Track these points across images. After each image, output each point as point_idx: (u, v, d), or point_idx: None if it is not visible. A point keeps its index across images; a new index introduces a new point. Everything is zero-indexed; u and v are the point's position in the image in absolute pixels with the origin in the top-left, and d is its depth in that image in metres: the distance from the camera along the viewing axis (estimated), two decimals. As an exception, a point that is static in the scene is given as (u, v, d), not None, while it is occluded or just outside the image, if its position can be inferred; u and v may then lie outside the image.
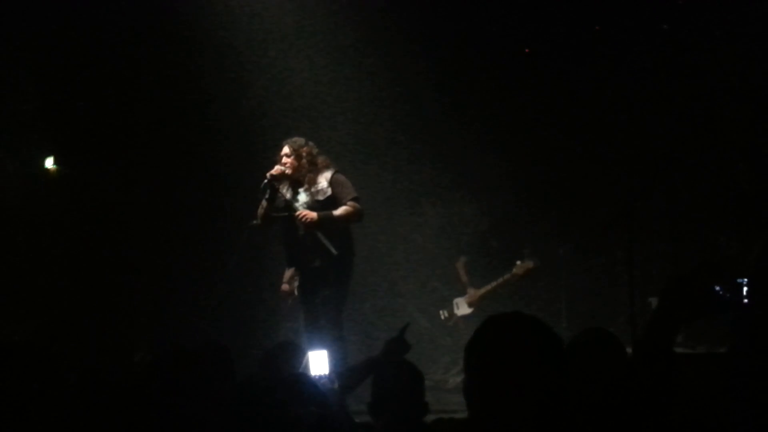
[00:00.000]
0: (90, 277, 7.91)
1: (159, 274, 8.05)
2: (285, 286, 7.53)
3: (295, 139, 6.49)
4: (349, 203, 6.37)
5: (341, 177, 6.47)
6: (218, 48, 8.17)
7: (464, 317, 8.04)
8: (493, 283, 7.92)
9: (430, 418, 3.31)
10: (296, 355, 3.92)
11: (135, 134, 8.15)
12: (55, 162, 8.40)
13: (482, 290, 7.99)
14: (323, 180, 6.39)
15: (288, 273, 7.42)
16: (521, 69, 8.27)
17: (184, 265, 8.08)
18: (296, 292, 6.85)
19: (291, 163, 6.36)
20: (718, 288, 2.00)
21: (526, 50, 8.32)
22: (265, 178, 6.33)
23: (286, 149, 6.42)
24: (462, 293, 8.13)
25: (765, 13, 7.19)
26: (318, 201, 6.34)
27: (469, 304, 8.04)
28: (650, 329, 2.19)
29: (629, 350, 3.03)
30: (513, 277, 7.82)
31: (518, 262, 7.79)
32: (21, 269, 7.69)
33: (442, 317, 8.17)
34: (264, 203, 6.40)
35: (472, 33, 8.11)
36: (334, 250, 6.23)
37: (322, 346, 6.12)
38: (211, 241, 8.00)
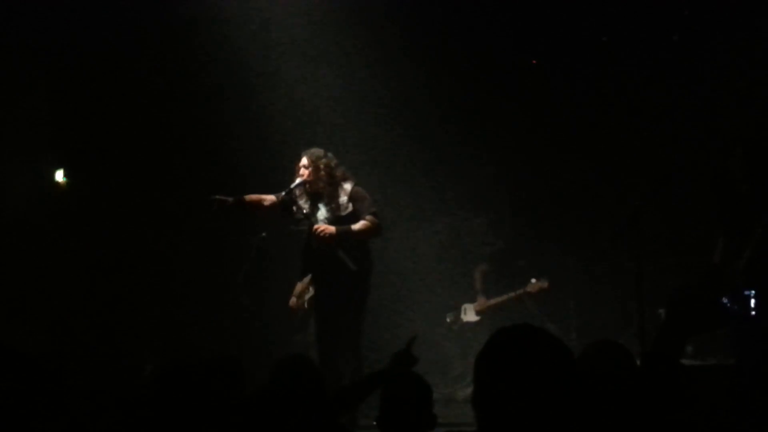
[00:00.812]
0: (100, 288, 7.93)
1: (169, 285, 8.07)
2: (293, 301, 7.53)
3: (313, 150, 6.42)
4: (368, 218, 6.30)
5: (361, 190, 6.41)
6: (229, 59, 8.21)
7: (469, 324, 8.09)
8: (504, 297, 7.94)
9: (439, 430, 3.31)
10: (307, 368, 3.90)
11: (145, 146, 8.19)
12: (65, 174, 8.44)
13: (492, 301, 8.02)
14: (342, 193, 6.32)
15: (299, 287, 7.41)
16: (530, 81, 8.27)
17: (195, 275, 8.09)
18: (306, 306, 6.81)
19: (309, 175, 6.30)
20: (725, 300, 2.01)
21: (534, 62, 8.32)
22: (287, 191, 6.29)
23: (304, 160, 6.36)
24: (472, 300, 8.17)
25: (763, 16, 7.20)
26: (339, 216, 6.28)
27: (477, 312, 8.09)
28: (658, 341, 2.19)
29: (639, 362, 3.04)
30: (525, 294, 7.82)
31: (533, 281, 7.79)
32: (31, 281, 7.72)
33: (448, 320, 8.22)
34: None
35: (483, 44, 8.12)
36: (353, 266, 6.19)
37: (337, 360, 6.16)
38: (222, 252, 8.02)
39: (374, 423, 3.35)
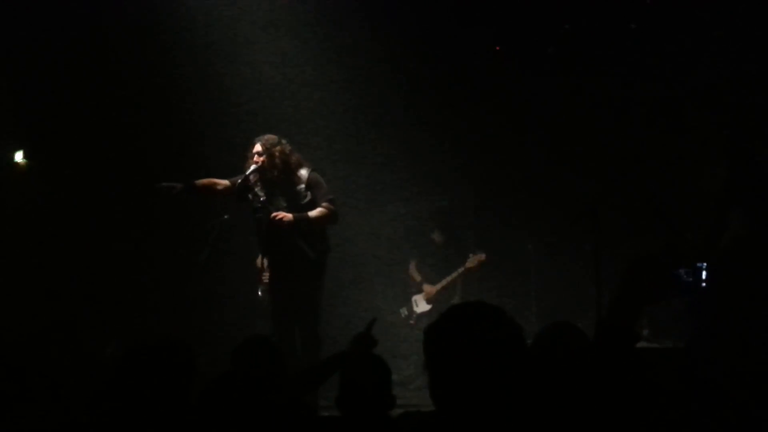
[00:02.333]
0: (61, 271, 7.86)
1: (131, 268, 8.02)
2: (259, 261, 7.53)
3: (267, 136, 6.34)
4: (324, 205, 6.29)
5: (317, 177, 6.38)
6: (192, 40, 8.15)
7: (424, 314, 8.13)
8: (448, 278, 8.04)
9: (396, 412, 3.34)
10: (268, 349, 3.92)
11: (106, 127, 8.11)
12: (25, 156, 8.34)
13: (438, 285, 8.12)
14: (299, 181, 6.29)
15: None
16: (494, 67, 8.32)
17: (156, 258, 8.05)
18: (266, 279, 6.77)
19: (263, 162, 6.23)
20: (682, 271, 2.06)
21: (497, 48, 8.36)
22: (241, 179, 6.17)
23: (258, 147, 6.28)
24: (419, 291, 8.27)
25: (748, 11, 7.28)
26: (298, 204, 6.25)
27: (428, 301, 8.16)
28: (613, 309, 2.22)
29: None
30: (466, 270, 7.95)
31: (471, 255, 7.92)
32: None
33: (402, 315, 8.29)
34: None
35: (446, 30, 8.14)
36: (311, 254, 6.19)
37: (295, 344, 6.17)
38: (183, 235, 7.98)
39: (334, 403, 3.37)
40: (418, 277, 8.31)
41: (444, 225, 8.34)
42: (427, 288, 8.20)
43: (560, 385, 2.45)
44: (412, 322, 8.23)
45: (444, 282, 8.08)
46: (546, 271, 8.17)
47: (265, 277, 6.74)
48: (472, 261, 7.92)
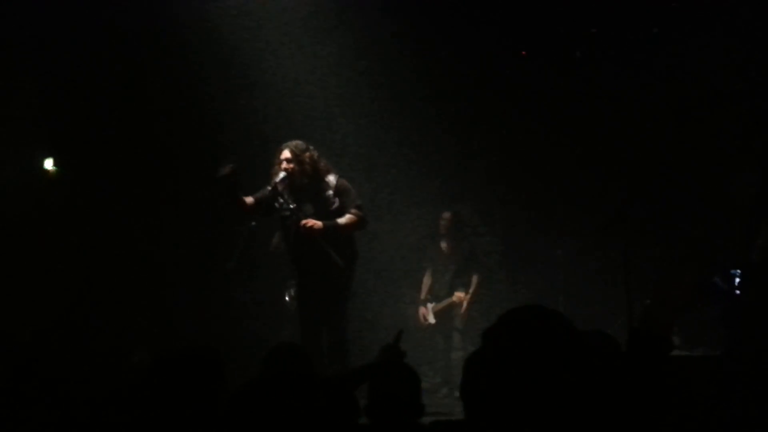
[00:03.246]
0: (88, 277, 7.92)
1: (159, 275, 8.06)
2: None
3: (296, 143, 6.28)
4: (353, 211, 6.26)
5: (346, 183, 6.34)
6: (220, 49, 8.20)
7: (432, 326, 8.08)
8: (439, 305, 8.01)
9: (425, 420, 3.32)
10: (299, 356, 3.87)
11: (135, 135, 8.17)
12: (55, 163, 8.41)
13: (441, 305, 8.04)
14: (328, 187, 6.26)
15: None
16: (521, 74, 8.27)
17: (184, 265, 8.08)
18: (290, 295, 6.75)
19: (293, 169, 6.18)
20: (716, 279, 2.03)
21: (523, 53, 8.33)
22: (272, 185, 6.12)
23: (286, 153, 6.21)
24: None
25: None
26: (327, 211, 6.21)
27: (435, 314, 8.07)
28: (647, 317, 2.18)
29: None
30: (452, 304, 7.90)
31: (456, 292, 7.89)
32: (19, 270, 7.70)
33: (420, 320, 8.17)
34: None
35: (474, 38, 8.12)
36: (340, 262, 6.18)
37: (323, 352, 6.15)
38: (212, 242, 8.01)
39: (363, 412, 3.35)
40: (425, 290, 8.24)
41: (454, 234, 8.23)
42: (436, 304, 8.10)
43: (593, 394, 2.42)
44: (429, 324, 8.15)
45: (442, 305, 8.02)
46: (575, 278, 8.11)
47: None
48: (458, 297, 7.88)
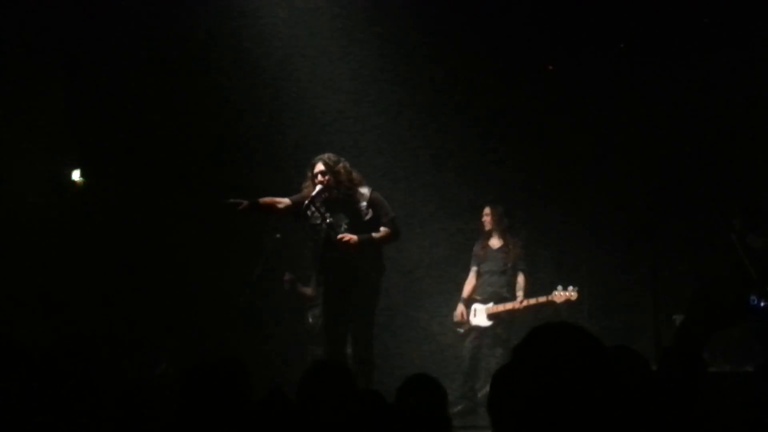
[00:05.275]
0: (115, 287, 7.96)
1: (183, 286, 8.09)
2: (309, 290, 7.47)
3: (328, 155, 6.26)
4: (388, 224, 6.27)
5: (379, 196, 6.33)
6: (246, 62, 8.23)
7: (479, 328, 7.65)
8: (525, 302, 7.52)
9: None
10: (341, 376, 3.70)
11: (161, 146, 8.22)
12: (82, 174, 8.48)
13: (509, 306, 7.58)
14: (362, 199, 6.24)
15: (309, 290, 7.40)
16: (549, 84, 8.23)
17: (208, 276, 8.10)
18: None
19: (328, 181, 6.16)
20: (752, 297, 2.00)
21: (550, 67, 8.30)
22: (306, 200, 6.11)
23: (320, 166, 6.18)
24: (483, 302, 7.71)
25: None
26: (361, 222, 6.20)
27: (489, 316, 7.63)
28: (680, 336, 2.16)
29: (654, 367, 3.01)
30: (548, 303, 7.39)
31: (559, 288, 7.37)
32: (47, 280, 7.75)
33: (456, 318, 7.78)
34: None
35: (500, 47, 8.09)
36: (373, 275, 6.16)
37: (349, 364, 6.12)
38: (236, 253, 8.03)
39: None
40: (468, 290, 7.82)
41: (504, 227, 7.80)
42: (494, 306, 7.61)
43: (622, 411, 2.39)
44: (461, 330, 7.73)
45: (517, 305, 7.54)
46: (600, 294, 8.03)
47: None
48: (560, 296, 7.32)
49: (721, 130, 7.52)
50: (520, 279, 7.70)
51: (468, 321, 7.73)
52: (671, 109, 7.76)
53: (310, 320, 8.05)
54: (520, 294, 7.64)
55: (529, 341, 1.97)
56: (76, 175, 8.46)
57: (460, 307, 7.81)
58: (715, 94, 7.52)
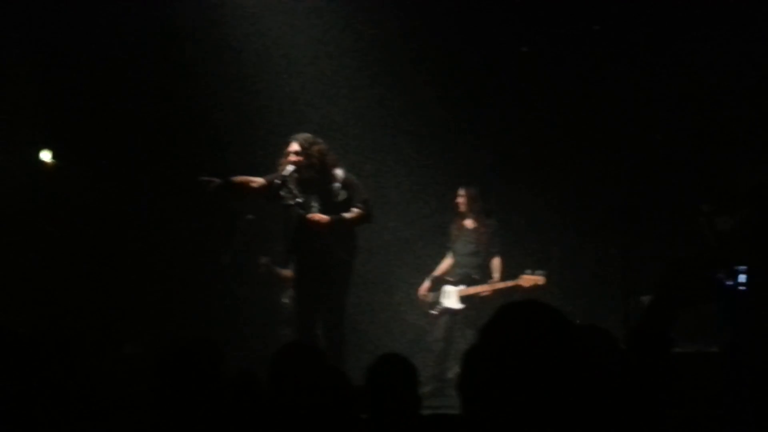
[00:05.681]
0: (83, 269, 7.90)
1: (153, 268, 8.04)
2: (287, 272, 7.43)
3: (304, 135, 6.26)
4: (359, 206, 6.26)
5: (353, 178, 6.35)
6: (219, 43, 8.16)
7: (449, 311, 7.64)
8: (492, 286, 7.53)
9: (423, 412, 3.32)
10: (312, 357, 3.70)
11: (132, 128, 8.15)
12: (52, 155, 8.39)
13: (479, 289, 7.58)
14: (335, 180, 6.26)
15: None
16: (525, 66, 8.22)
17: (179, 258, 8.06)
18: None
19: (301, 162, 6.17)
20: (720, 275, 2.02)
21: (524, 49, 8.30)
22: (279, 179, 6.11)
23: (295, 146, 6.19)
24: (454, 284, 7.70)
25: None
26: (333, 203, 6.21)
27: (461, 299, 7.62)
28: (648, 314, 2.17)
29: (623, 346, 3.05)
30: (516, 287, 7.35)
31: (528, 272, 7.35)
32: (14, 262, 7.68)
33: (428, 299, 7.80)
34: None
35: (477, 30, 8.08)
36: (345, 256, 6.17)
37: (321, 344, 6.14)
38: (207, 236, 7.99)
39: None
40: (441, 271, 7.85)
41: (478, 209, 7.82)
42: (466, 288, 7.61)
43: (591, 389, 2.41)
44: (434, 312, 7.72)
45: (487, 288, 7.53)
46: (571, 275, 8.08)
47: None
48: (528, 280, 7.29)
49: (692, 115, 7.59)
50: (496, 261, 7.71)
51: (430, 297, 7.75)
52: (643, 94, 7.80)
53: (286, 301, 8.04)
54: (496, 275, 7.65)
55: (496, 320, 1.97)
56: (46, 156, 8.37)
57: (426, 284, 7.83)
58: (686, 79, 7.57)
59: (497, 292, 7.48)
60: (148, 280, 7.97)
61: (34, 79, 7.98)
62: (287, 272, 7.94)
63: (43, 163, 8.35)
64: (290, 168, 6.13)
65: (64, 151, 8.40)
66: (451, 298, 7.69)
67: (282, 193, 6.17)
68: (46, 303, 7.41)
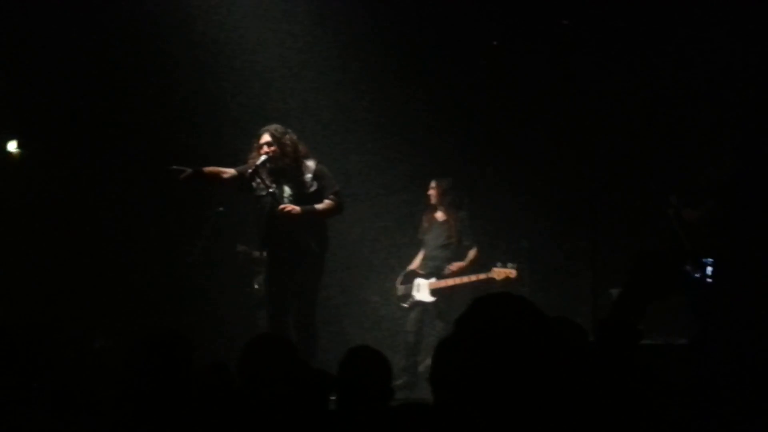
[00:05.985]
0: (51, 262, 7.82)
1: (123, 261, 7.98)
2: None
3: (275, 126, 6.30)
4: (331, 197, 6.30)
5: (324, 168, 6.38)
6: (189, 33, 8.10)
7: (420, 304, 7.63)
8: (465, 279, 7.50)
9: (396, 403, 3.32)
10: (282, 349, 3.69)
11: (100, 118, 8.07)
12: (19, 145, 8.29)
13: (450, 282, 7.57)
14: (307, 171, 6.28)
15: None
16: (490, 61, 8.25)
17: (149, 251, 8.01)
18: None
19: (274, 152, 6.19)
20: (688, 267, 2.05)
21: (494, 43, 8.32)
22: (250, 169, 6.12)
23: (266, 137, 6.22)
24: (426, 277, 7.69)
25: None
26: (304, 194, 6.23)
27: (431, 292, 7.61)
28: (617, 306, 2.19)
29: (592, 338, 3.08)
30: (488, 280, 7.35)
31: (498, 265, 7.36)
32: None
33: (399, 293, 7.78)
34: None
35: (443, 21, 8.10)
36: (316, 247, 6.18)
37: (291, 333, 6.15)
38: (177, 228, 7.94)
39: (332, 397, 3.35)
40: (416, 264, 7.84)
41: (448, 201, 7.81)
42: (437, 281, 7.60)
43: (563, 381, 2.43)
44: (406, 305, 7.70)
45: (458, 281, 7.49)
46: (541, 268, 8.13)
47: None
48: (499, 273, 7.29)
49: (660, 107, 7.65)
50: (471, 253, 7.72)
51: (402, 290, 7.75)
52: (610, 87, 7.85)
53: (256, 286, 8.03)
54: (464, 263, 7.64)
55: (471, 312, 1.99)
56: (12, 146, 8.27)
57: (400, 278, 7.86)
58: (653, 74, 7.63)
59: (469, 285, 7.48)
60: (118, 273, 7.92)
61: (1, 69, 7.88)
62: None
63: (9, 153, 8.25)
64: (263, 158, 6.16)
65: (31, 141, 8.30)
66: (423, 290, 7.70)
67: (254, 183, 6.19)
68: (13, 297, 7.33)
